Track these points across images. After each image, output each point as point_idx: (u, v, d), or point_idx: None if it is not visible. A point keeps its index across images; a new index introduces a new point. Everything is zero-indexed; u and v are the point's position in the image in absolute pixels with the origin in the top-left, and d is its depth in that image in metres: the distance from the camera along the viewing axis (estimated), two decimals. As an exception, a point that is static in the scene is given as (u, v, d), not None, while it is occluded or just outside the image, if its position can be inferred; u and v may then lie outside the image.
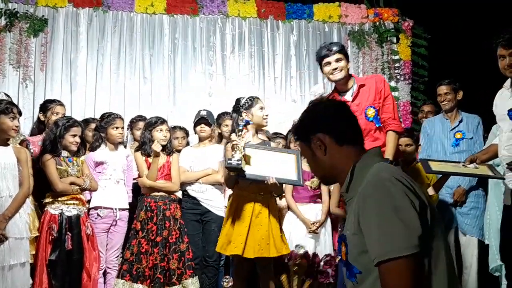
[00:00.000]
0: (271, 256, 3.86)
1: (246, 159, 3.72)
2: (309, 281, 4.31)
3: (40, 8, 6.38)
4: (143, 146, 4.71)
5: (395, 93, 6.72)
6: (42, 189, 4.16)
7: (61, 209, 4.11)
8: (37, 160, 4.19)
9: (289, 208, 4.77)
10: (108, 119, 4.75)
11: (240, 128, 3.78)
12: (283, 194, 4.69)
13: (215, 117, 5.21)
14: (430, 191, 4.34)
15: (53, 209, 4.11)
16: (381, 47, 6.94)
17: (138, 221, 4.55)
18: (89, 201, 4.50)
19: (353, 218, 1.65)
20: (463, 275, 4.71)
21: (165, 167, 4.70)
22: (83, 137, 4.41)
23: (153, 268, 4.46)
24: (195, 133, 5.08)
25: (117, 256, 4.61)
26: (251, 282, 4.14)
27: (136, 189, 4.83)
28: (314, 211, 4.70)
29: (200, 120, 4.96)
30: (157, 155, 4.60)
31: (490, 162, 3.91)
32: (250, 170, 3.72)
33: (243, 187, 3.90)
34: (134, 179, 4.88)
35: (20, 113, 4.02)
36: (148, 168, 4.65)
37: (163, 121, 4.76)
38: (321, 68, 3.97)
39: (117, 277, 4.48)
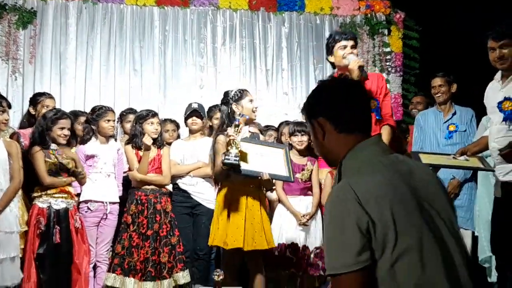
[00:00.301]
0: (263, 249, 3.87)
1: (241, 154, 3.69)
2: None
3: (29, 0, 6.32)
4: (134, 139, 4.67)
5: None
6: (32, 182, 4.13)
7: (49, 203, 4.10)
8: (27, 153, 4.16)
9: (279, 200, 4.77)
10: (99, 111, 4.72)
11: (237, 123, 3.76)
12: (274, 187, 4.69)
13: (206, 110, 5.19)
14: None
15: (41, 203, 4.09)
16: (373, 39, 6.93)
17: (129, 215, 4.52)
18: (79, 195, 4.48)
19: None
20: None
21: (155, 160, 4.68)
22: (73, 130, 4.38)
23: (144, 261, 4.44)
24: (186, 126, 5.06)
25: (107, 250, 4.59)
26: (241, 275, 4.13)
27: (126, 183, 4.80)
28: (305, 204, 4.70)
29: (192, 113, 4.93)
30: (148, 148, 4.58)
31: (481, 154, 3.92)
32: (244, 166, 3.70)
33: (234, 180, 3.88)
34: (124, 172, 4.85)
35: (9, 106, 3.99)
36: (139, 161, 4.62)
37: (154, 114, 4.73)
38: (330, 53, 3.79)
39: (108, 271, 4.46)
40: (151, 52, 6.61)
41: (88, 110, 5.25)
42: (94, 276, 4.53)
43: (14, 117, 5.57)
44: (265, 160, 3.82)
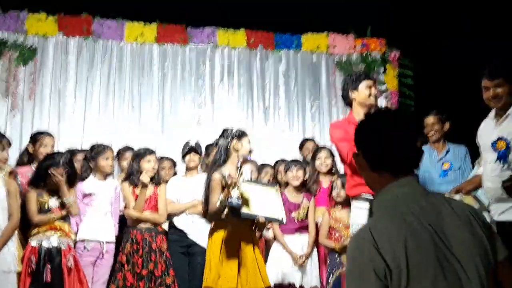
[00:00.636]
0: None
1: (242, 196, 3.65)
2: None
3: (30, 37, 6.37)
4: (131, 177, 4.68)
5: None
6: (28, 221, 4.12)
7: (41, 241, 4.06)
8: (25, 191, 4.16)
9: (275, 238, 4.74)
10: (98, 149, 4.74)
11: (238, 165, 3.75)
12: (268, 227, 4.68)
13: (204, 147, 5.21)
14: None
15: (34, 241, 4.06)
16: (368, 77, 6.99)
17: (124, 254, 4.50)
18: (76, 233, 4.45)
19: None
20: None
21: (152, 198, 4.68)
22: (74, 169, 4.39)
23: (139, 301, 4.39)
24: (184, 162, 5.07)
25: (103, 290, 4.55)
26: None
27: (122, 221, 4.78)
28: (301, 242, 4.68)
29: (190, 150, 4.96)
30: (145, 185, 4.58)
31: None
32: (244, 209, 3.66)
33: (229, 221, 3.83)
34: (120, 210, 4.83)
35: (9, 144, 4.00)
36: (135, 199, 4.62)
37: (152, 152, 4.75)
38: (354, 88, 3.69)
39: (103, 311, 4.41)
40: (150, 89, 6.65)
41: (86, 146, 5.26)
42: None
43: (12, 154, 5.55)
44: (263, 202, 3.80)
